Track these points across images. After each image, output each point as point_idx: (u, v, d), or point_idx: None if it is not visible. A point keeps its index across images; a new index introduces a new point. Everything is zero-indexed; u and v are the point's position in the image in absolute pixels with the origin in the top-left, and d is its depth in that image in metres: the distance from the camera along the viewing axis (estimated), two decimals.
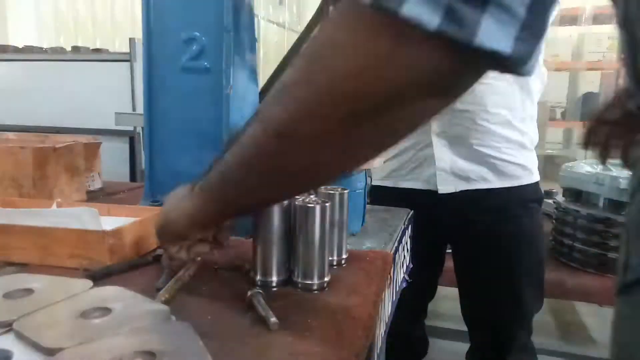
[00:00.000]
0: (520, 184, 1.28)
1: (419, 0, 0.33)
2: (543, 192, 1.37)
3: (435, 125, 1.25)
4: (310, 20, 0.89)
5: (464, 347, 1.64)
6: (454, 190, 1.28)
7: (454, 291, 1.62)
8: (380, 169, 1.36)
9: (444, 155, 1.26)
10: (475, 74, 0.38)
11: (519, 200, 1.28)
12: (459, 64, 0.35)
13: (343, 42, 0.38)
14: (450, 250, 1.48)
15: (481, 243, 1.32)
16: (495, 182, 1.27)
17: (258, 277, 0.64)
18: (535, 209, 1.31)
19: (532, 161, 1.31)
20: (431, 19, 0.32)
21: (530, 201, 1.31)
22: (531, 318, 1.39)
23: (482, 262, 1.35)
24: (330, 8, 0.87)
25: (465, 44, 0.32)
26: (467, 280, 1.43)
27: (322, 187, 0.73)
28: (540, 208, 1.36)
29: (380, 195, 1.29)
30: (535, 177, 1.31)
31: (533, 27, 0.34)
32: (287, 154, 0.46)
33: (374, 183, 1.36)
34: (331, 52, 0.39)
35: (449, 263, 1.52)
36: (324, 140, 0.43)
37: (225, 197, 0.56)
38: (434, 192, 1.28)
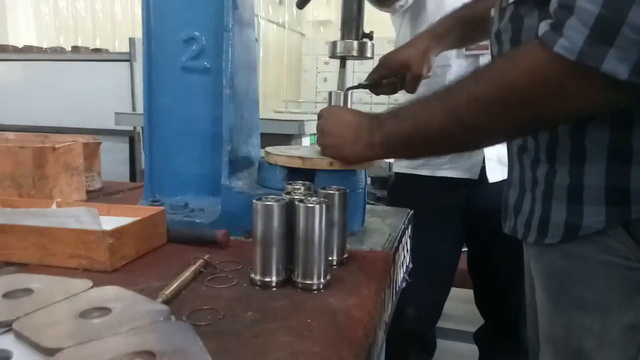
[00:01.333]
0: None
1: (614, 58, 0.51)
2: None
3: None
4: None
5: (467, 347, 1.64)
6: (502, 179, 1.30)
7: (456, 291, 1.62)
8: None
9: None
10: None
11: None
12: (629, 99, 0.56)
13: (546, 82, 0.57)
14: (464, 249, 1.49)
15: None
16: None
17: (258, 277, 0.64)
18: None
19: None
20: (623, 72, 0.51)
21: None
22: None
23: (506, 251, 1.37)
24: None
25: None
26: (486, 270, 1.46)
27: (322, 187, 0.73)
28: None
29: (412, 184, 1.35)
30: None
31: None
32: (469, 140, 0.70)
33: (405, 171, 1.41)
34: (533, 89, 0.58)
35: None
36: (497, 135, 0.70)
37: (404, 155, 0.90)
38: (473, 181, 1.32)
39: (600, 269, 0.63)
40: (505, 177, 1.31)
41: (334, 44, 0.91)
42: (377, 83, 1.06)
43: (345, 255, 0.74)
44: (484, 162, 1.31)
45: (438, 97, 0.69)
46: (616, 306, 0.62)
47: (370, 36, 0.92)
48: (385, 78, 1.06)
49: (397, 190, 1.48)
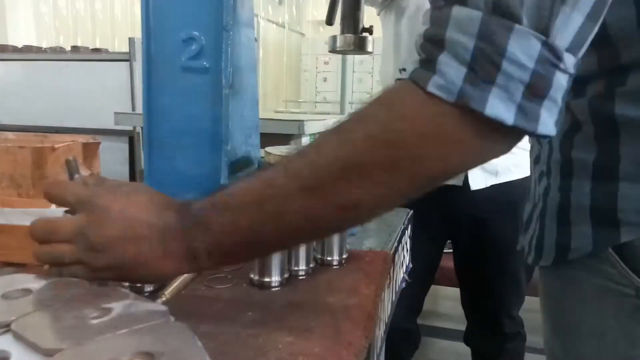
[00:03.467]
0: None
1: (498, 101, 0.40)
2: None
3: None
4: None
5: (465, 346, 1.64)
6: (484, 186, 1.31)
7: (454, 291, 1.62)
8: None
9: None
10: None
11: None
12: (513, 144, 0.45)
13: (431, 132, 0.43)
14: (448, 251, 1.50)
15: (490, 233, 1.37)
16: (516, 173, 1.32)
17: (257, 277, 0.64)
18: None
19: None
20: (508, 117, 0.40)
21: None
22: (523, 296, 1.46)
23: (490, 252, 1.40)
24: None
25: (530, 132, 0.42)
26: (471, 270, 1.48)
27: None
28: None
29: None
30: None
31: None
32: (340, 220, 0.48)
33: None
34: (419, 142, 0.43)
35: (448, 262, 1.53)
36: (383, 207, 0.48)
37: (241, 259, 0.56)
38: (457, 187, 1.32)
39: (595, 294, 0.59)
40: (489, 184, 1.33)
41: (333, 38, 0.90)
42: None
43: (345, 255, 0.74)
44: None
45: (292, 169, 0.47)
46: (612, 334, 0.58)
47: (370, 30, 0.91)
48: None
49: None
